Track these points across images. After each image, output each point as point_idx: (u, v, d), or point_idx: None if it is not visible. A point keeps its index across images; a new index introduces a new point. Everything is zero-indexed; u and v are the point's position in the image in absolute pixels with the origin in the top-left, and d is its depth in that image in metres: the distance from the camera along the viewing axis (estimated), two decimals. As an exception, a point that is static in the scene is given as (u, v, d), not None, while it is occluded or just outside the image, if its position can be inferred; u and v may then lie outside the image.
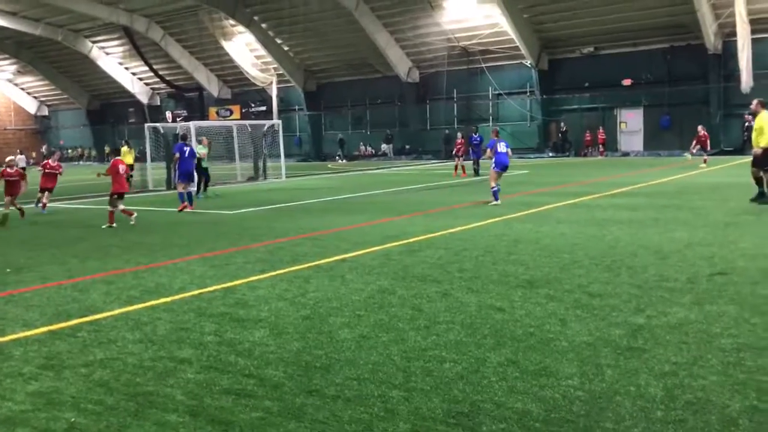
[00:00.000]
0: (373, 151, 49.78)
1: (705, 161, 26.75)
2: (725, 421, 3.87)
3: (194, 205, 17.52)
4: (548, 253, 9.26)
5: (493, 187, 15.69)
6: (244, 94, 55.29)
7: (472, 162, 27.34)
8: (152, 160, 27.65)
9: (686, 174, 23.20)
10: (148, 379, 4.92)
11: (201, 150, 20.88)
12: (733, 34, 34.23)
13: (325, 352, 5.40)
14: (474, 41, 42.87)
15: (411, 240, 10.81)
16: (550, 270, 8.14)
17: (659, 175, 23.07)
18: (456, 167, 27.45)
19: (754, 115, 14.48)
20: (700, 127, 28.40)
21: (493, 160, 15.85)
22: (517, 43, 40.63)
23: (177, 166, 18.37)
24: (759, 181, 14.20)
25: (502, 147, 15.84)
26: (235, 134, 28.23)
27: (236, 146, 28.31)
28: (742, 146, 34.25)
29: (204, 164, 20.86)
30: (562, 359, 4.99)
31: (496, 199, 15.54)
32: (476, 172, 26.21)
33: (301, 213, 15.80)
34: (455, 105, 46.57)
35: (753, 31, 33.77)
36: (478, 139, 27.14)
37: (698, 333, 5.48)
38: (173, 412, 4.31)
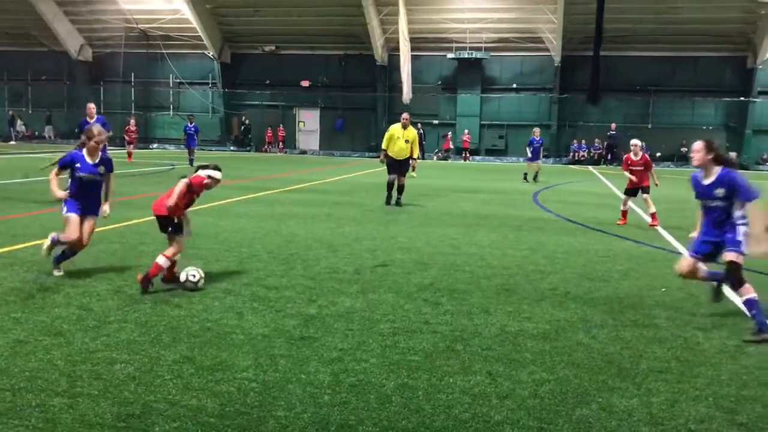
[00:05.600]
0: (34, 133, 44.70)
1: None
2: (382, 399, 4.32)
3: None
4: (227, 247, 9.32)
5: None
6: None
7: (187, 152, 26.65)
8: None
9: (355, 174, 25.19)
10: None
11: None
12: (397, 49, 38.18)
13: (-29, 361, 4.72)
14: (155, 25, 41.11)
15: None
16: (228, 264, 8.21)
17: (333, 174, 24.70)
18: (129, 155, 27.58)
19: (405, 127, 15.76)
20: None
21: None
22: (200, 33, 40.04)
23: None
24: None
25: None
26: None
27: None
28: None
29: None
30: (238, 352, 5.08)
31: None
32: (191, 162, 25.00)
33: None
34: (133, 89, 44.12)
35: (412, 49, 38.10)
36: (193, 129, 26.38)
37: (362, 320, 6.02)
38: None
